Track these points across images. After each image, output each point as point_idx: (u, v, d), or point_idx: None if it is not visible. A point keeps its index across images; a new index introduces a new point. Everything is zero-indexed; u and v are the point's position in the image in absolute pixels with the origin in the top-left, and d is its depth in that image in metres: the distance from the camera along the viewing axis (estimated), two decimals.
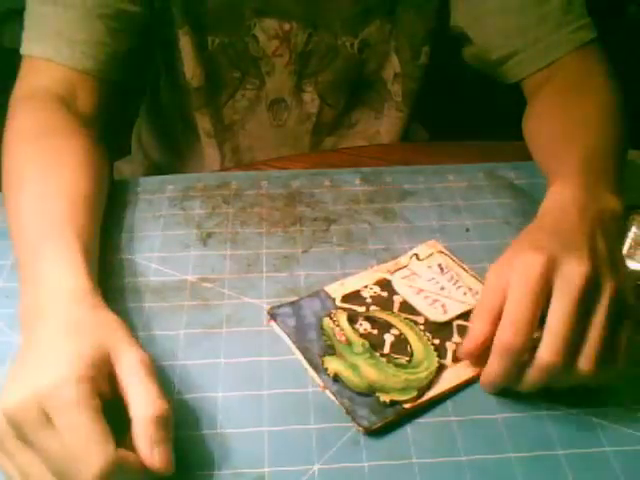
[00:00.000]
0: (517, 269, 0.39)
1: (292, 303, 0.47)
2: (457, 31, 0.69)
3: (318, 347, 0.44)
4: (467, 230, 0.55)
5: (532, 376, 0.39)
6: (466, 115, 1.26)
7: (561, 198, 0.45)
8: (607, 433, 0.40)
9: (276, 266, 0.52)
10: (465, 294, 0.48)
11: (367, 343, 0.43)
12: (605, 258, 0.40)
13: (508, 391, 0.42)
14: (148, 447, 0.34)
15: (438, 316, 0.46)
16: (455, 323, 0.46)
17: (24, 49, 0.59)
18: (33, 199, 0.48)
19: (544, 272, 0.38)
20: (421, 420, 0.40)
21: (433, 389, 0.41)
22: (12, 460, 0.34)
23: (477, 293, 0.48)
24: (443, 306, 0.47)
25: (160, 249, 0.53)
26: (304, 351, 0.44)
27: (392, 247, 0.54)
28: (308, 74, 0.73)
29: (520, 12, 0.62)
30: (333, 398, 0.41)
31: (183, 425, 0.40)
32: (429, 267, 0.50)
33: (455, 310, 0.46)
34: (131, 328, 0.45)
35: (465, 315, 0.46)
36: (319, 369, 0.42)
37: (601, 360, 0.38)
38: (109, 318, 0.39)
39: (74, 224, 0.46)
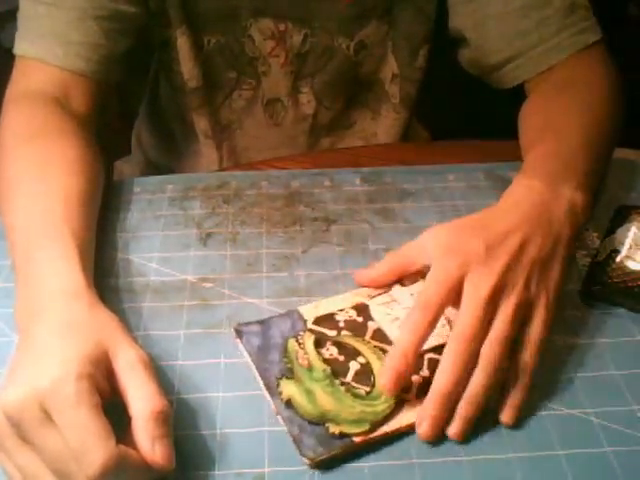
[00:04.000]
0: (431, 272, 0.41)
1: (261, 322, 0.45)
2: (456, 34, 0.68)
3: (278, 369, 0.42)
4: None
5: (438, 384, 0.38)
6: (466, 115, 1.26)
7: (518, 188, 0.47)
8: (607, 433, 0.40)
9: (276, 266, 0.52)
10: (443, 326, 0.44)
11: (329, 369, 0.41)
12: (528, 264, 0.42)
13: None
14: (149, 443, 0.34)
15: None
16: (426, 356, 0.42)
17: (17, 49, 0.59)
18: (27, 199, 0.47)
19: (454, 278, 0.40)
20: None
21: (388, 424, 0.39)
22: (12, 459, 0.34)
23: None
24: None
25: (160, 249, 0.53)
26: (262, 372, 0.42)
27: (392, 247, 0.53)
28: (304, 75, 0.73)
29: (521, 15, 0.62)
30: (283, 424, 0.39)
31: (183, 425, 0.40)
32: (411, 295, 0.46)
33: (428, 342, 0.41)
34: (131, 328, 0.46)
35: (439, 348, 0.42)
36: (273, 392, 0.41)
37: (499, 362, 0.39)
38: (106, 316, 0.39)
39: (68, 223, 0.45)
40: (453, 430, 0.39)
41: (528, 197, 0.46)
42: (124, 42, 0.61)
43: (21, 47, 0.59)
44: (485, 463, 0.38)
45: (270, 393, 0.41)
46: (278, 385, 0.41)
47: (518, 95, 0.66)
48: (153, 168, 0.87)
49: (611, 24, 0.65)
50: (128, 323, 0.46)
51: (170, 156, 0.85)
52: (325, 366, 0.42)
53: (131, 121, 0.95)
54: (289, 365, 0.42)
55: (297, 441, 0.38)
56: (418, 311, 0.39)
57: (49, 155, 0.51)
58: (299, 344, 0.43)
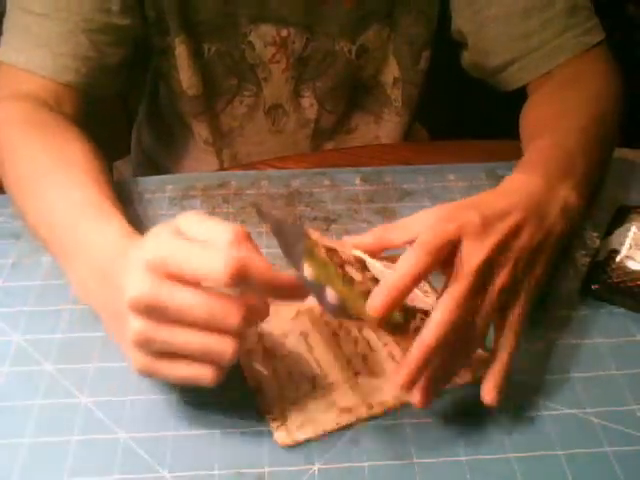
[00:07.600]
0: (423, 235, 0.38)
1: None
2: (458, 36, 0.68)
3: (298, 250, 0.40)
4: None
5: (425, 335, 0.36)
6: (466, 115, 1.26)
7: (516, 179, 0.45)
8: (607, 433, 0.40)
9: (276, 266, 0.52)
10: (426, 292, 0.46)
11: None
12: (518, 250, 0.40)
13: (509, 391, 0.42)
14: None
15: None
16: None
17: (3, 56, 0.58)
18: (57, 190, 0.48)
19: (450, 234, 0.38)
20: (421, 420, 0.40)
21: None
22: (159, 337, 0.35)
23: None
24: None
25: None
26: (285, 245, 0.40)
27: None
28: (306, 79, 0.73)
29: (524, 17, 0.61)
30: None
31: (183, 425, 0.40)
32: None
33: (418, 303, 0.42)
34: None
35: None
36: (300, 269, 0.39)
37: (487, 326, 0.38)
38: None
39: (108, 200, 0.46)
40: (416, 398, 0.37)
41: (526, 188, 0.44)
42: (116, 54, 0.61)
43: (8, 54, 0.58)
44: (485, 463, 0.38)
45: (295, 267, 0.39)
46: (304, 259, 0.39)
47: (518, 96, 0.66)
48: (153, 168, 0.87)
49: (610, 24, 0.65)
50: None
51: (170, 157, 0.84)
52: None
53: (131, 121, 0.95)
54: (309, 247, 0.40)
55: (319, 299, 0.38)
56: (415, 251, 0.37)
57: (56, 147, 0.51)
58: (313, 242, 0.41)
